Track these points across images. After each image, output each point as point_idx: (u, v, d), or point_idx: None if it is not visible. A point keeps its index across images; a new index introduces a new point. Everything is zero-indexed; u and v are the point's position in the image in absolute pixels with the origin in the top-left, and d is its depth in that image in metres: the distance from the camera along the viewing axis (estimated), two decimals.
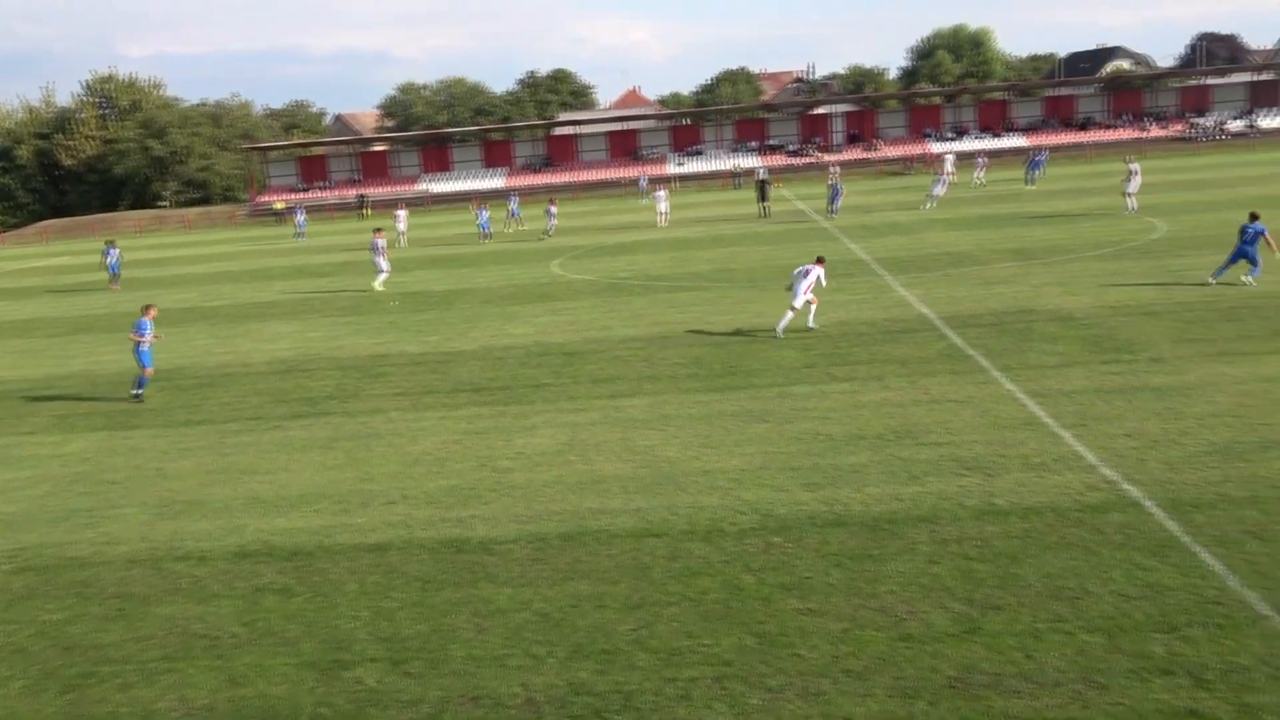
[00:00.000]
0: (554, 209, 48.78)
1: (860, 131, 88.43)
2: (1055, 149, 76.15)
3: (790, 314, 20.71)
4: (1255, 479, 11.26)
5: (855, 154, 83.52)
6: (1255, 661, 7.71)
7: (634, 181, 78.65)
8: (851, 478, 12.24)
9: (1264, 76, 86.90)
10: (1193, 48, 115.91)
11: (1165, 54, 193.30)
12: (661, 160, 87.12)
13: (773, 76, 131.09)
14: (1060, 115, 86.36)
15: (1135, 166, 39.27)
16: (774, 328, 20.91)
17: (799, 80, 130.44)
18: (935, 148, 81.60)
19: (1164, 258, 26.57)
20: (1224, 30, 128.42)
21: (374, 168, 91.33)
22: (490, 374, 19.49)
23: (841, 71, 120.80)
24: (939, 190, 47.69)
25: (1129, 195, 38.46)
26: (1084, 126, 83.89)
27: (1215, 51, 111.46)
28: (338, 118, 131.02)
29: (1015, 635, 8.34)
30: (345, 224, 72.53)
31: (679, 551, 10.51)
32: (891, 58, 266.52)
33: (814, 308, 21.18)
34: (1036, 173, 54.10)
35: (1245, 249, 22.37)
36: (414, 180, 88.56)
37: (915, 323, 20.94)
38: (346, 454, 14.93)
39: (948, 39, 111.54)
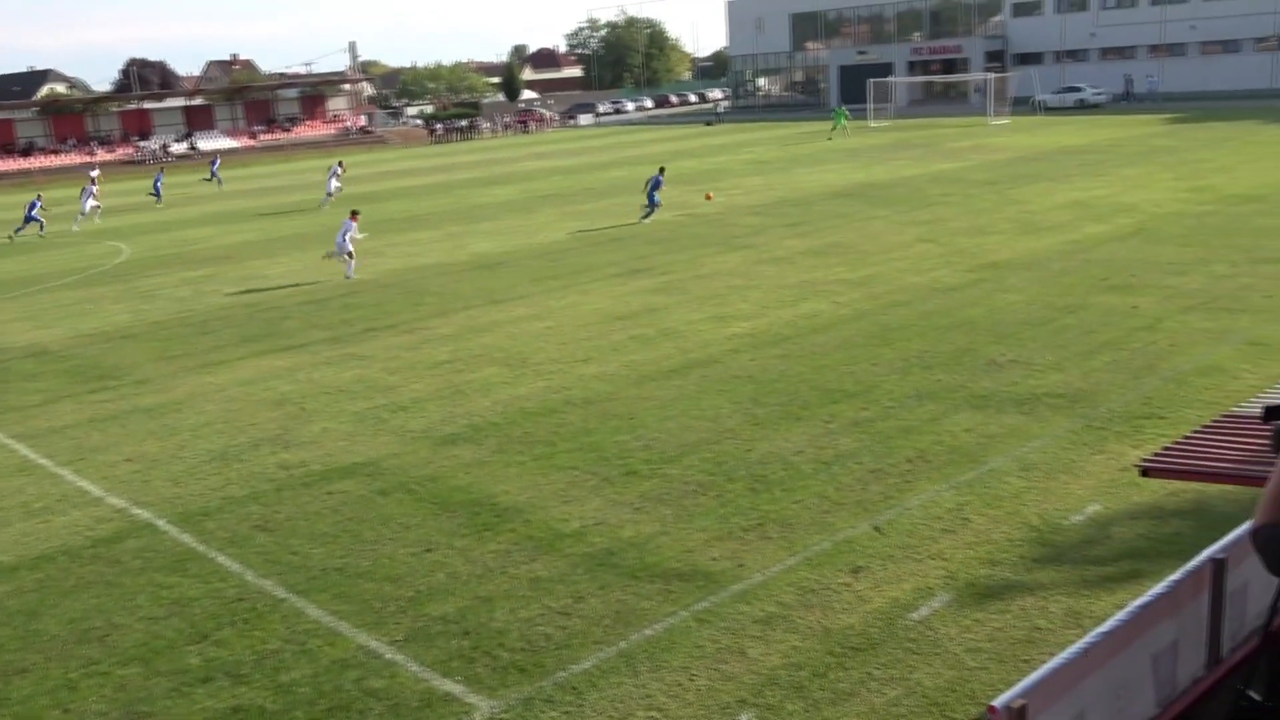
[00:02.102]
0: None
1: None
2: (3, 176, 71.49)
3: (350, 261, 24.45)
4: (252, 476, 12.03)
5: None
6: (281, 643, 8.27)
7: None
8: None
9: (196, 101, 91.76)
10: (125, 73, 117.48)
11: (101, 78, 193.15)
12: None
13: None
14: None
15: (338, 168, 43.28)
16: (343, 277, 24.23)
17: None
18: None
19: (133, 280, 26.74)
20: (153, 57, 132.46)
21: None
22: None
23: None
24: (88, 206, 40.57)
25: (330, 194, 41.18)
26: (27, 152, 79.94)
27: (147, 77, 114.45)
28: None
29: (48, 693, 7.80)
30: None
31: None
32: None
33: (353, 262, 24.53)
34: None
35: (653, 194, 30.08)
36: None
37: None
38: None
39: None
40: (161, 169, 56.15)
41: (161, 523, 10.87)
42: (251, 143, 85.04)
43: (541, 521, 10.20)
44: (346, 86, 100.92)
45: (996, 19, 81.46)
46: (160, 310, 22.34)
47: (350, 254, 24.37)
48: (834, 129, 58.28)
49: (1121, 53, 74.22)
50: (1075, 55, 76.06)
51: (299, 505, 11.07)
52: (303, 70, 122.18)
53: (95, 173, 52.13)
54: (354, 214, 25.28)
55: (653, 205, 30.38)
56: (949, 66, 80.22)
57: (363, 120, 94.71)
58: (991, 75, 67.02)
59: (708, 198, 31.01)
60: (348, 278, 24.29)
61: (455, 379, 15.44)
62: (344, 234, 24.29)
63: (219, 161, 58.84)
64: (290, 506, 11.05)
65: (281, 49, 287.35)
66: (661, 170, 31.75)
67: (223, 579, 9.48)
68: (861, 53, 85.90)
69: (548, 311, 19.52)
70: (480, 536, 9.96)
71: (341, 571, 9.43)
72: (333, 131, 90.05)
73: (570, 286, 21.69)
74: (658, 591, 8.66)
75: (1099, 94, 66.81)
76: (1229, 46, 69.98)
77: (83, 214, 40.40)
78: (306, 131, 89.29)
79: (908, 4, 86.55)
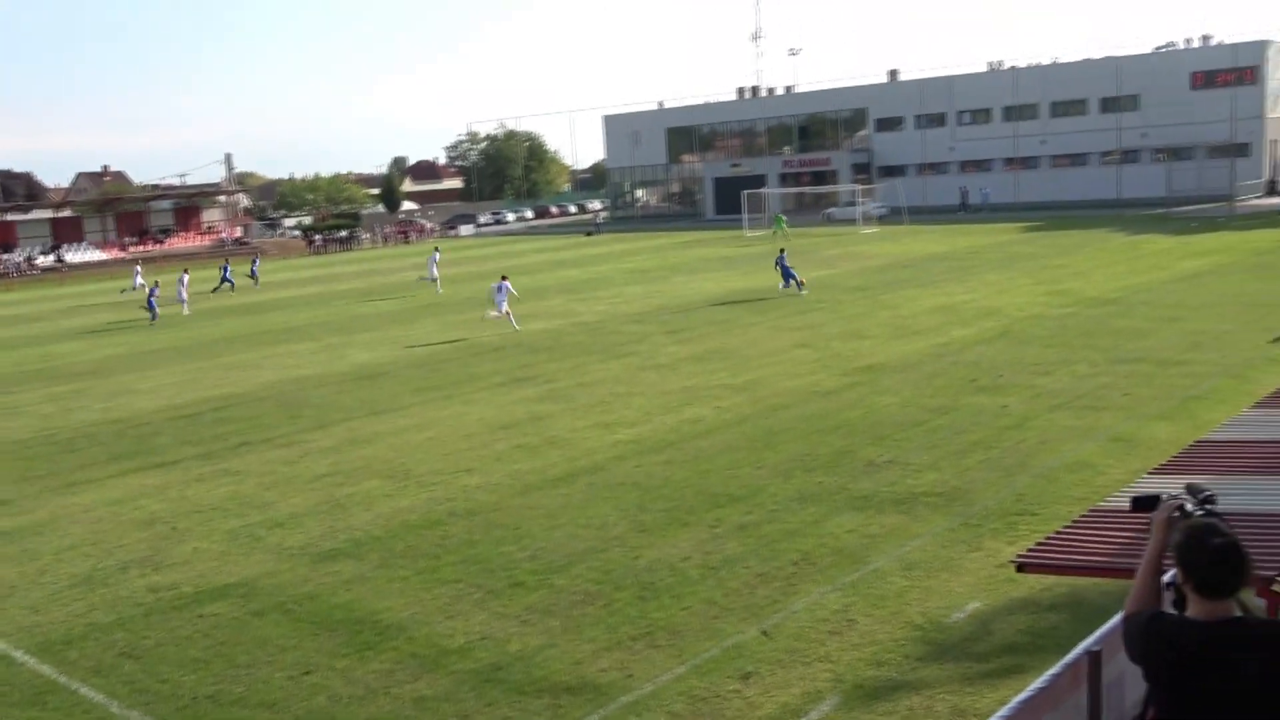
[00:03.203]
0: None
1: None
2: None
3: (495, 315, 29.91)
4: (119, 600, 11.47)
5: None
6: None
7: None
8: None
9: (64, 213, 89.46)
10: None
11: None
12: None
13: None
14: None
15: (436, 255, 47.17)
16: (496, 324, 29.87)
17: None
18: None
19: None
20: (19, 168, 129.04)
21: None
22: None
23: None
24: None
25: (434, 279, 44.70)
26: None
27: (12, 188, 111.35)
28: None
29: None
30: None
31: None
32: None
33: (512, 314, 29.77)
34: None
35: (786, 270, 33.74)
36: None
37: None
38: None
39: None
40: (256, 255, 59.22)
41: (19, 654, 10.26)
42: (122, 254, 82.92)
43: (425, 638, 9.93)
44: (222, 198, 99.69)
45: (862, 133, 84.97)
46: (23, 428, 21.40)
47: (508, 312, 29.69)
48: (776, 233, 60.26)
49: (980, 165, 77.98)
50: (936, 168, 79.63)
51: (169, 630, 10.58)
52: (177, 182, 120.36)
53: (139, 268, 54.71)
54: (504, 278, 30.94)
55: (790, 279, 33.92)
56: (819, 178, 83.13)
57: (239, 231, 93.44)
58: (859, 186, 69.80)
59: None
60: (516, 329, 29.54)
61: (335, 492, 15.08)
62: (502, 295, 29.73)
63: (258, 261, 60.34)
64: (159, 632, 10.56)
65: (155, 161, 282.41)
66: (782, 251, 36.22)
67: (86, 711, 8.96)
68: (735, 165, 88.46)
69: (430, 422, 19.29)
70: (362, 656, 9.64)
71: (214, 699, 9.01)
72: (208, 243, 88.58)
73: (453, 396, 21.52)
74: (546, 707, 8.48)
75: (879, 208, 70.44)
76: (1077, 160, 74.16)
77: (183, 299, 42.65)
78: (180, 243, 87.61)
79: (778, 119, 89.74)
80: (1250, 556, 3.77)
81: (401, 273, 56.84)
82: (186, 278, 44.73)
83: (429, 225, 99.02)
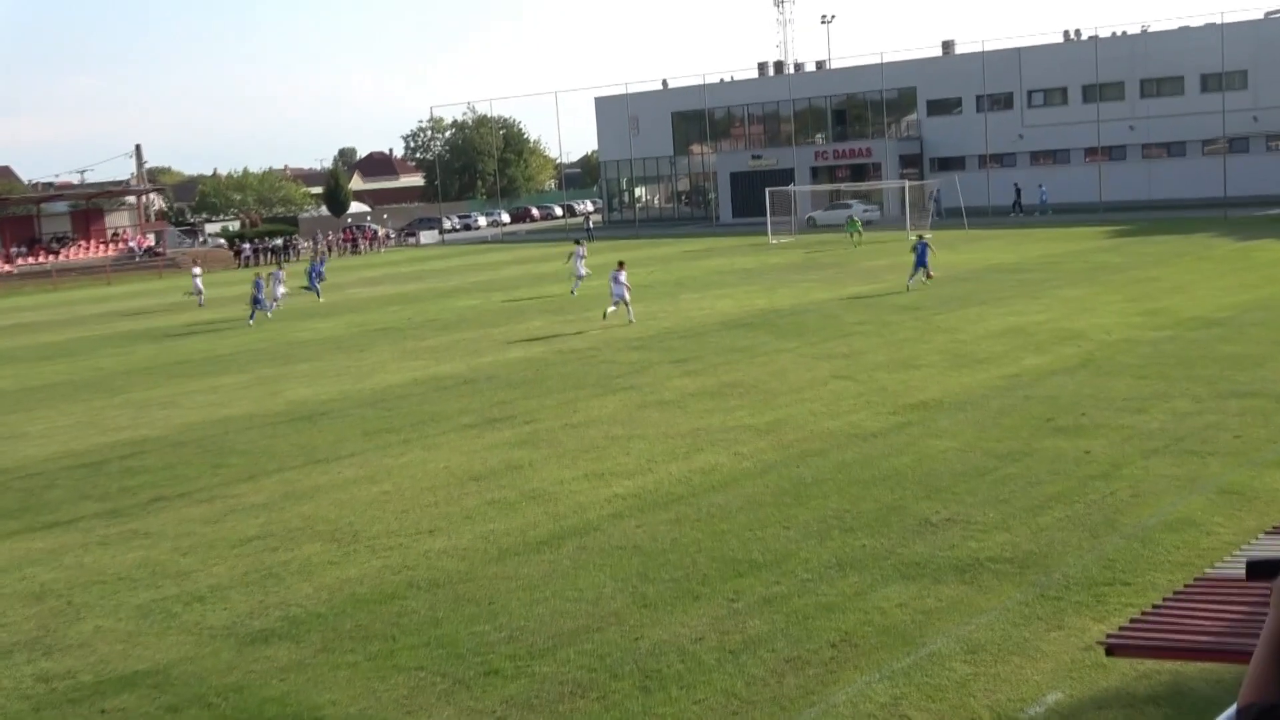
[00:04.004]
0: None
1: None
2: None
3: (613, 308, 34.82)
4: (1, 692, 11.42)
5: None
6: None
7: None
8: None
9: None
10: None
11: None
12: None
13: None
14: None
15: (581, 250, 46.97)
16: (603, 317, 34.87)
17: None
18: None
19: None
20: None
21: None
22: None
23: None
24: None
25: (579, 276, 45.82)
26: None
27: None
28: None
29: None
30: None
31: None
32: None
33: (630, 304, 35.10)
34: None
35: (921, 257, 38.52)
36: None
37: None
38: None
39: None
40: (323, 260, 63.18)
41: None
42: (8, 268, 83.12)
43: None
44: (130, 199, 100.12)
45: (910, 118, 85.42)
46: None
47: (627, 302, 34.73)
48: (854, 237, 60.77)
49: (1054, 156, 78.37)
50: (1001, 160, 79.68)
51: None
52: (75, 179, 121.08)
53: (197, 270, 57.75)
54: (621, 265, 35.42)
55: (920, 267, 38.61)
56: (858, 172, 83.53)
57: (150, 240, 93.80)
58: (907, 182, 70.01)
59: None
60: (630, 322, 34.63)
61: (267, 559, 15.05)
62: (620, 286, 34.44)
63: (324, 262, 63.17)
64: None
65: (47, 154, 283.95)
66: (921, 237, 40.79)
67: None
68: (756, 157, 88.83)
69: (384, 472, 19.29)
70: None
71: None
72: (112, 253, 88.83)
73: (412, 441, 21.52)
74: None
75: (869, 211, 70.85)
76: (1172, 150, 74.51)
77: (276, 299, 47.24)
78: (79, 254, 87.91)
79: (807, 101, 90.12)
80: None
81: (348, 289, 57.01)
82: (282, 274, 49.52)
83: (383, 232, 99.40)
